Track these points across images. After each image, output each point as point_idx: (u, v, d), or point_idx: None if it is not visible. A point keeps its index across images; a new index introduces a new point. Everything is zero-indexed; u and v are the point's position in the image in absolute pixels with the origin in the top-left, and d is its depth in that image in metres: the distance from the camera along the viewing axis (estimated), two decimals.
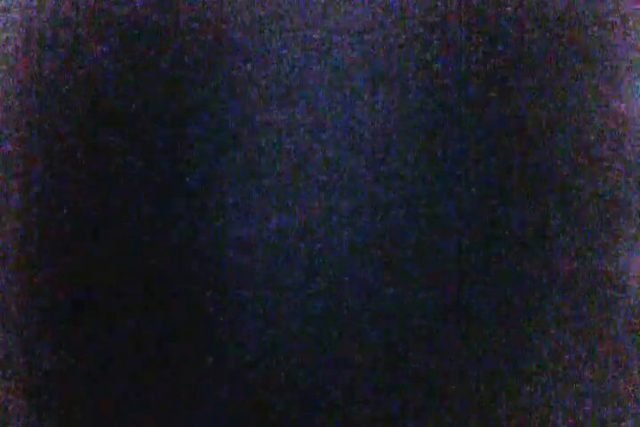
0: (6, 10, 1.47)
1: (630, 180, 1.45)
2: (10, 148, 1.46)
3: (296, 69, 1.41)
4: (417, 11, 1.41)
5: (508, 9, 1.42)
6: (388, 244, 1.39)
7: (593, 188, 1.43)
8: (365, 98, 1.40)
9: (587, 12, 1.45)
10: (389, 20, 1.41)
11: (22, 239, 1.45)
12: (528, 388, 1.40)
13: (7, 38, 1.47)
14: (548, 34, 1.43)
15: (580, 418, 1.42)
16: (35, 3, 1.46)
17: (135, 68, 1.42)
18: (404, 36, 1.41)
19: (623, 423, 1.43)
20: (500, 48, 1.42)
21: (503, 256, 1.40)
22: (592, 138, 1.44)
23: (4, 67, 1.47)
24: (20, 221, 1.45)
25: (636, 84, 1.46)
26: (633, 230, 1.45)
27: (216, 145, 1.41)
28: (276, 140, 1.40)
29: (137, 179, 1.41)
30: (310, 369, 1.39)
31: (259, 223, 1.40)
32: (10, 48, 1.47)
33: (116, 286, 1.41)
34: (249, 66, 1.41)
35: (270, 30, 1.41)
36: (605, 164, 1.44)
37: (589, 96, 1.44)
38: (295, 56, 1.41)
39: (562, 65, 1.43)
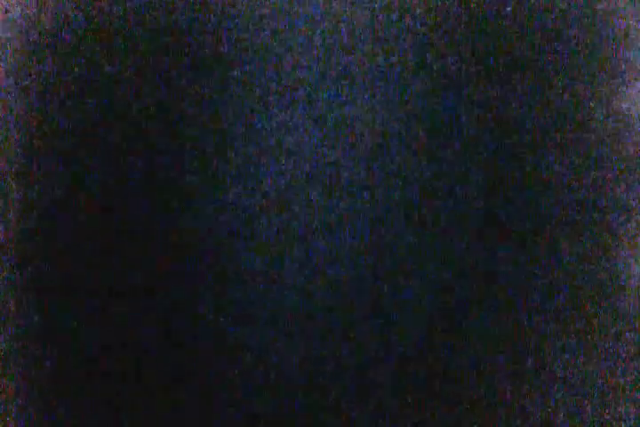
0: (6, 10, 1.48)
1: (630, 180, 1.45)
2: (10, 148, 1.46)
3: (296, 69, 1.41)
4: (417, 11, 1.41)
5: (508, 9, 1.42)
6: (388, 243, 1.39)
7: (593, 188, 1.43)
8: (365, 98, 1.40)
9: (587, 12, 1.45)
10: (389, 20, 1.41)
11: (22, 239, 1.45)
12: (528, 388, 1.40)
13: (7, 38, 1.47)
14: (547, 34, 1.43)
15: (580, 418, 1.42)
16: (35, 3, 1.46)
17: (135, 67, 1.43)
18: (404, 36, 1.41)
19: (623, 423, 1.43)
20: (500, 48, 1.42)
21: (503, 256, 1.40)
22: (592, 138, 1.44)
23: (4, 67, 1.47)
24: (20, 221, 1.45)
25: (636, 84, 1.46)
26: (633, 230, 1.45)
27: (216, 145, 1.41)
28: (276, 141, 1.40)
29: (137, 178, 1.41)
30: (310, 369, 1.39)
31: (259, 223, 1.40)
32: (10, 48, 1.47)
33: (117, 286, 1.41)
34: (249, 66, 1.41)
35: (270, 30, 1.41)
36: (605, 164, 1.44)
37: (589, 96, 1.44)
38: (295, 56, 1.41)
39: (562, 65, 1.43)
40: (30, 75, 1.46)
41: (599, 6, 1.45)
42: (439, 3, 1.41)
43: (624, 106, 1.46)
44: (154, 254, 1.41)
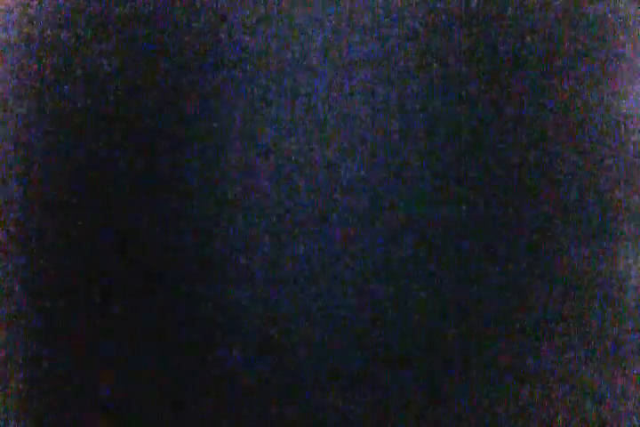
0: (7, 10, 1.48)
1: (630, 180, 1.45)
2: (10, 148, 1.46)
3: (296, 69, 1.41)
4: (417, 11, 1.41)
5: (508, 9, 1.42)
6: (388, 243, 1.39)
7: (593, 188, 1.43)
8: (365, 98, 1.40)
9: (587, 12, 1.45)
10: (389, 20, 1.41)
11: (22, 239, 1.45)
12: (528, 388, 1.40)
13: (7, 38, 1.47)
14: (548, 34, 1.43)
15: (580, 418, 1.42)
16: (35, 3, 1.46)
17: (135, 67, 1.43)
18: (404, 36, 1.41)
19: (623, 423, 1.43)
20: (500, 48, 1.42)
21: (503, 256, 1.40)
22: (592, 138, 1.44)
23: (4, 67, 1.47)
24: (21, 220, 1.45)
25: (636, 84, 1.46)
26: (633, 231, 1.45)
27: (216, 145, 1.41)
28: (276, 141, 1.40)
29: (137, 178, 1.41)
30: (310, 369, 1.39)
31: (258, 223, 1.40)
32: (10, 48, 1.47)
33: (117, 286, 1.41)
34: (249, 66, 1.41)
35: (270, 30, 1.41)
36: (605, 164, 1.44)
37: (589, 96, 1.44)
38: (295, 56, 1.41)
39: (562, 65, 1.43)
40: (30, 75, 1.46)
41: (599, 6, 1.45)
42: (439, 3, 1.41)
43: (624, 106, 1.46)
44: (154, 254, 1.41)
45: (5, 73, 1.47)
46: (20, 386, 1.44)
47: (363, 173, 1.40)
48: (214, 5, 1.42)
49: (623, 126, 1.45)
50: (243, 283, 1.39)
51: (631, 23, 1.47)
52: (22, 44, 1.46)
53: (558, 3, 1.44)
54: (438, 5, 1.41)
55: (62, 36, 1.45)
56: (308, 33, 1.41)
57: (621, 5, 1.46)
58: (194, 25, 1.42)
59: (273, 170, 1.40)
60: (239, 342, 1.39)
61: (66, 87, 1.44)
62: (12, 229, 1.46)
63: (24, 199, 1.45)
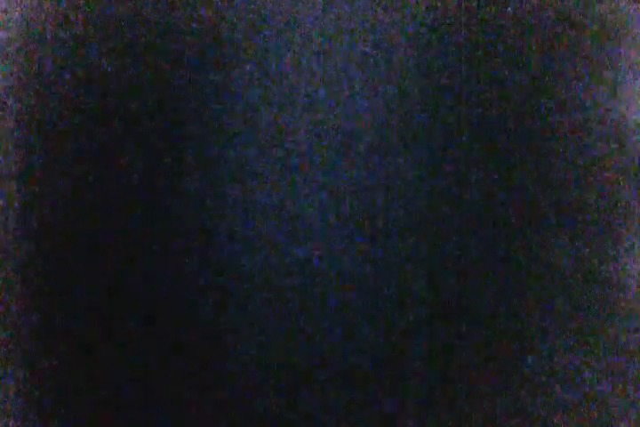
0: (6, 10, 1.48)
1: (630, 180, 1.45)
2: (9, 148, 1.46)
3: (296, 69, 1.41)
4: (417, 11, 1.41)
5: (508, 9, 1.42)
6: (388, 244, 1.39)
7: (593, 188, 1.43)
8: (365, 98, 1.40)
9: (587, 12, 1.45)
10: (389, 20, 1.41)
11: (22, 239, 1.45)
12: (528, 388, 1.40)
13: (7, 38, 1.47)
14: (548, 34, 1.43)
15: (580, 418, 1.42)
16: (35, 3, 1.46)
17: (135, 67, 1.43)
18: (404, 36, 1.41)
19: (623, 423, 1.43)
20: (500, 48, 1.42)
21: (503, 256, 1.40)
22: (592, 138, 1.44)
23: (4, 67, 1.47)
24: (20, 221, 1.45)
25: (636, 84, 1.46)
26: (632, 231, 1.45)
27: (216, 145, 1.41)
28: (276, 141, 1.40)
29: (136, 178, 1.42)
30: (310, 369, 1.39)
31: (258, 223, 1.40)
32: (10, 48, 1.47)
33: (116, 286, 1.41)
34: (249, 66, 1.41)
35: (270, 30, 1.41)
36: (605, 164, 1.44)
37: (589, 97, 1.44)
38: (295, 56, 1.41)
39: (562, 65, 1.43)
40: (30, 75, 1.46)
41: (599, 6, 1.45)
42: (439, 3, 1.41)
43: (623, 105, 1.46)
44: (154, 254, 1.41)
45: (5, 73, 1.47)
46: (20, 386, 1.44)
47: (363, 173, 1.40)
48: (214, 5, 1.42)
49: (623, 127, 1.45)
50: (242, 283, 1.39)
51: (631, 23, 1.47)
52: (22, 44, 1.46)
53: (558, 3, 1.44)
54: (438, 5, 1.41)
55: (62, 36, 1.45)
56: (308, 33, 1.41)
57: (621, 5, 1.46)
58: (194, 25, 1.42)
59: (272, 170, 1.40)
60: (239, 342, 1.39)
61: (66, 87, 1.44)
62: (12, 228, 1.46)
63: (24, 199, 1.45)
